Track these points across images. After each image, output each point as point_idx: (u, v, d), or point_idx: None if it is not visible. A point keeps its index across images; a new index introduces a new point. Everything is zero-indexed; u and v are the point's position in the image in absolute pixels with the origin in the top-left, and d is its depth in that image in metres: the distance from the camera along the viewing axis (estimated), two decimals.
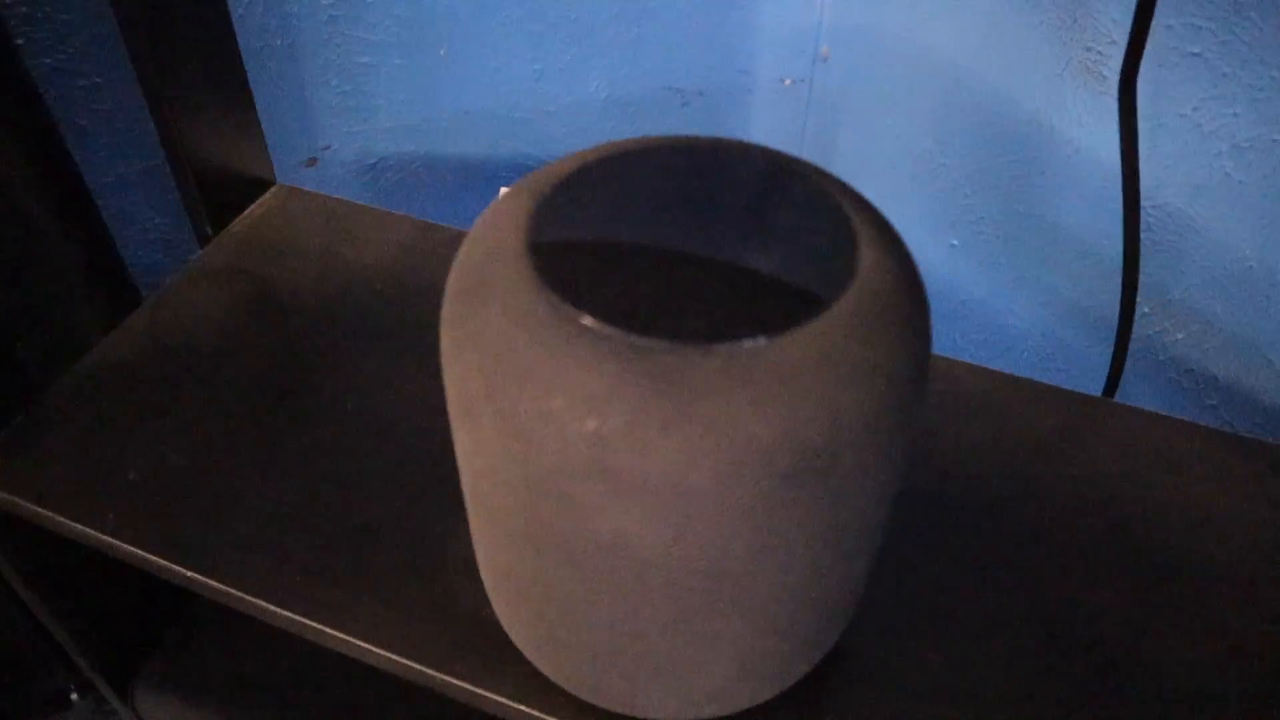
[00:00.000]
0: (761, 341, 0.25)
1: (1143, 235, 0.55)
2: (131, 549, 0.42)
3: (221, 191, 0.55)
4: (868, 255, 0.28)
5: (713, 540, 0.26)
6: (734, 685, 0.32)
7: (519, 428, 0.25)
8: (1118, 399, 0.53)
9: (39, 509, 0.44)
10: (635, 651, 0.30)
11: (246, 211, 0.57)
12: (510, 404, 0.25)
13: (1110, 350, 0.56)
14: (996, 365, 0.56)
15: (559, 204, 0.29)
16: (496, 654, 0.37)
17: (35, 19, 0.54)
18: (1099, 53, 0.55)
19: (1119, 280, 0.53)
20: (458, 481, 0.43)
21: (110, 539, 0.42)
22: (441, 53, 0.65)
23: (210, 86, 0.53)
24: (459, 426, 0.29)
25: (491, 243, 0.28)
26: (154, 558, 0.41)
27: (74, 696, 0.67)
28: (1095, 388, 0.57)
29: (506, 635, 0.36)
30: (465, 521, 0.41)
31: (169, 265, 0.67)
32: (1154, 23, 0.49)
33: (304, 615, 0.39)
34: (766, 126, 0.77)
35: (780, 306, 0.26)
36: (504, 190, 0.33)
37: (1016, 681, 0.37)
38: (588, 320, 0.25)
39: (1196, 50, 0.51)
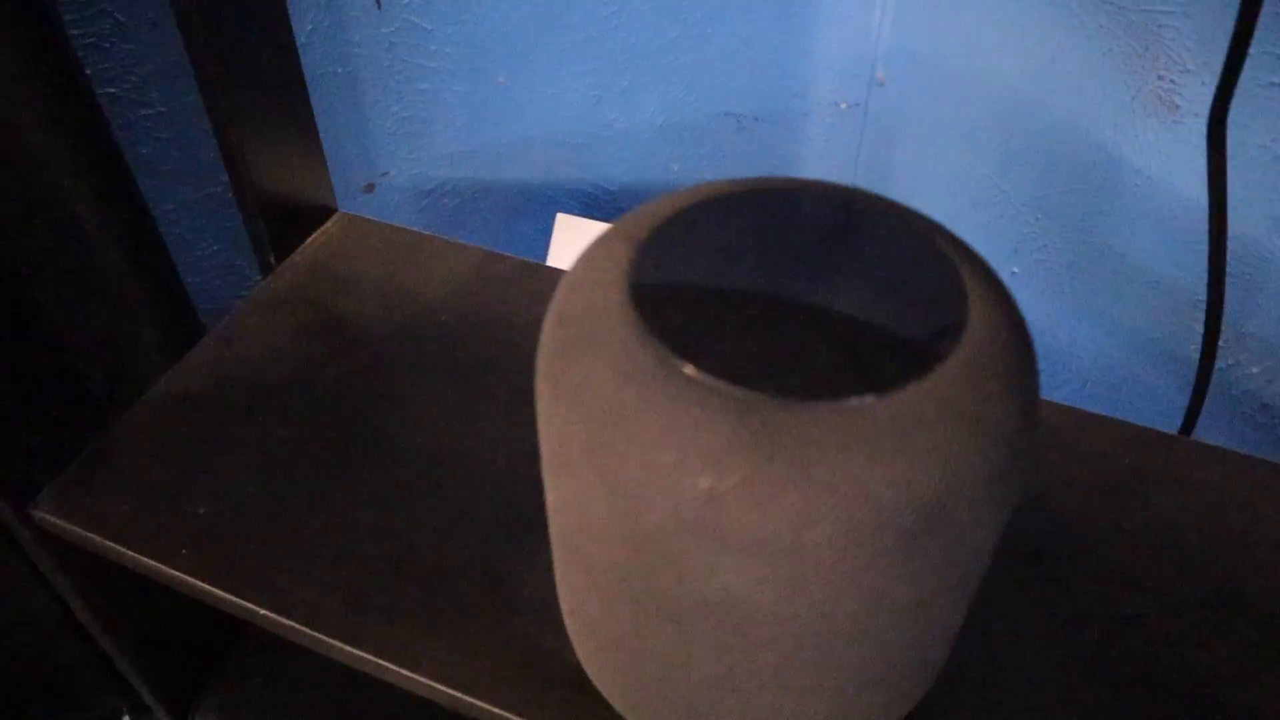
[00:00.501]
0: (877, 398, 0.24)
1: None
2: (203, 585, 0.41)
3: (284, 219, 0.55)
4: (977, 306, 0.27)
5: (825, 597, 0.25)
6: None
7: (626, 483, 0.25)
8: (1194, 437, 0.52)
9: (108, 542, 0.43)
10: (731, 705, 0.29)
11: (309, 239, 0.57)
12: (618, 460, 0.25)
13: (1178, 382, 0.55)
14: (1057, 397, 0.55)
15: (658, 250, 0.29)
16: (576, 699, 0.36)
17: (102, 49, 0.55)
18: (1172, 81, 0.54)
19: (1190, 312, 0.52)
20: (529, 520, 0.43)
21: (181, 575, 0.42)
22: (500, 80, 0.65)
23: (275, 114, 0.53)
24: (556, 477, 0.28)
25: (592, 292, 0.28)
26: (226, 594, 0.41)
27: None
28: (1163, 419, 0.56)
29: (587, 679, 0.35)
30: (539, 562, 0.41)
31: (227, 291, 0.67)
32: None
33: (378, 656, 0.39)
34: (822, 150, 0.76)
35: (887, 356, 0.26)
36: (597, 234, 0.33)
37: None
38: (698, 374, 0.25)
39: (1277, 80, 0.50)
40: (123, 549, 0.43)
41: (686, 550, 0.25)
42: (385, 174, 0.66)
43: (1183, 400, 0.57)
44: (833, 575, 0.24)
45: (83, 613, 0.50)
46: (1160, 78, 0.55)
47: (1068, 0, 0.58)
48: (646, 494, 0.24)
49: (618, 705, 0.34)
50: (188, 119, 0.59)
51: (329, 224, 0.58)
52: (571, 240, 0.69)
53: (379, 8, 0.60)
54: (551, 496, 0.30)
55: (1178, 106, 0.54)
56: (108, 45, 0.55)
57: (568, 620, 0.35)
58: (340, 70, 0.61)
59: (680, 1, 0.66)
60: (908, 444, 0.24)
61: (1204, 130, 0.42)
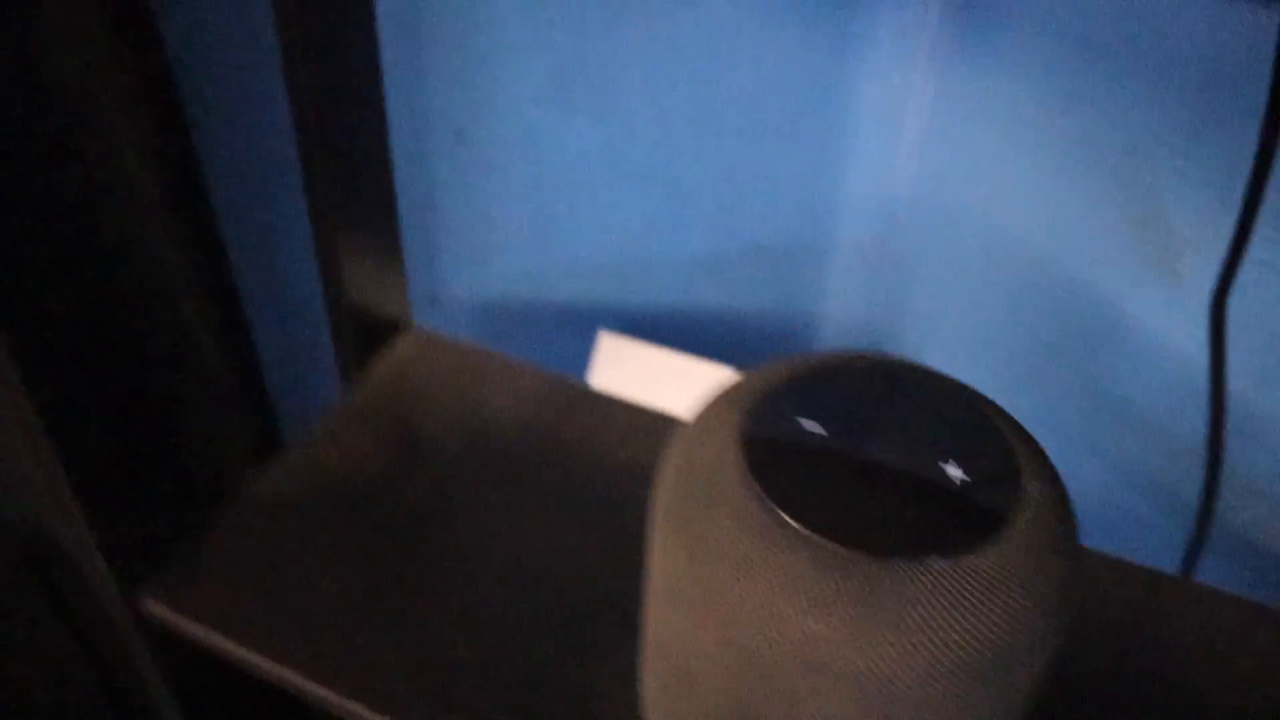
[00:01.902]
0: (954, 561, 0.29)
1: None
2: (302, 680, 0.45)
3: (367, 330, 0.60)
4: (1031, 482, 0.32)
5: None
6: None
7: (744, 623, 0.29)
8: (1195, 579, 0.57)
9: (212, 632, 0.47)
10: None
11: (386, 352, 0.62)
12: (738, 602, 0.30)
13: (1178, 521, 0.60)
14: None
15: (762, 415, 0.34)
16: None
17: (229, 177, 0.60)
18: (1173, 250, 0.61)
19: (1190, 455, 0.58)
20: (610, 635, 0.47)
21: (280, 668, 0.46)
22: (560, 208, 0.71)
23: (369, 232, 0.58)
24: (671, 610, 0.33)
25: (709, 450, 0.33)
26: (325, 690, 0.45)
27: None
28: (1160, 556, 0.61)
29: None
30: (623, 677, 0.45)
31: (299, 394, 0.72)
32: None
33: None
34: (843, 285, 0.82)
35: (958, 519, 0.31)
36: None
37: None
38: (809, 533, 0.30)
39: (1265, 258, 0.56)
40: (222, 638, 0.47)
41: (796, 683, 0.29)
42: (448, 289, 0.72)
43: (1181, 539, 0.63)
44: (919, 708, 0.29)
45: (165, 697, 0.54)
46: (1164, 248, 0.61)
47: (1079, 168, 0.65)
48: (764, 633, 0.29)
49: None
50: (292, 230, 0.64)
51: (404, 336, 0.64)
52: (613, 356, 0.75)
53: (457, 139, 0.66)
54: (660, 627, 0.35)
55: (1179, 274, 0.61)
56: (235, 172, 0.60)
57: None
58: (419, 194, 0.66)
59: (723, 142, 0.72)
60: (979, 600, 0.29)
61: (1200, 297, 0.48)
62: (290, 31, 0.47)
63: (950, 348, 0.76)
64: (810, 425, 0.34)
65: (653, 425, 0.59)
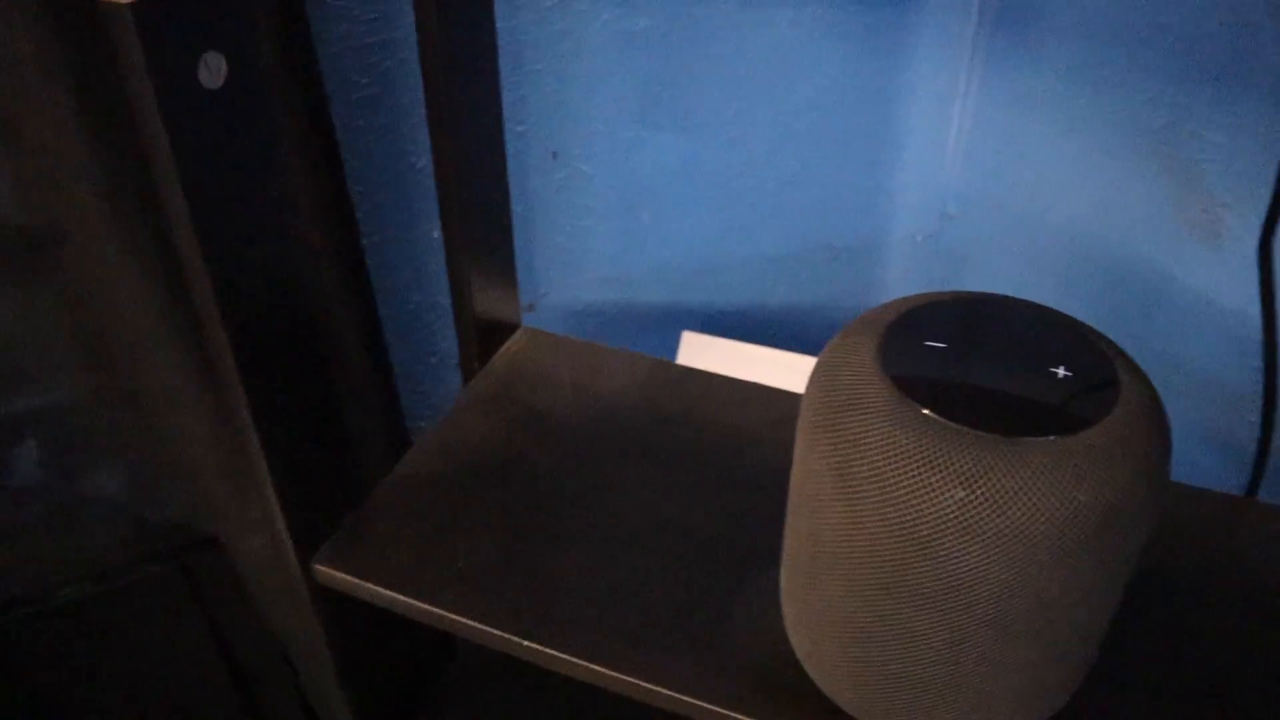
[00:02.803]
0: (1073, 436, 0.35)
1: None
2: (471, 623, 0.51)
3: (489, 331, 0.67)
4: (1126, 378, 0.38)
5: (1038, 574, 0.35)
6: (1012, 713, 0.41)
7: (899, 499, 0.35)
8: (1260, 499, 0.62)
9: (383, 590, 0.54)
10: (952, 677, 0.39)
11: (503, 349, 0.69)
12: (892, 483, 0.36)
13: (1237, 468, 0.66)
14: None
15: (894, 336, 0.40)
16: (803, 700, 0.46)
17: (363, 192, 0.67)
18: (1214, 214, 0.67)
19: (1246, 402, 0.63)
20: (738, 566, 0.53)
21: (451, 615, 0.52)
22: (645, 217, 0.77)
23: (488, 246, 0.65)
24: (824, 505, 0.39)
25: (851, 368, 0.39)
26: (498, 632, 0.51)
27: None
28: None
29: (813, 685, 0.45)
30: (759, 596, 0.51)
31: (422, 403, 0.78)
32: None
33: (632, 676, 0.48)
34: (901, 276, 0.89)
35: (1071, 406, 0.37)
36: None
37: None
38: (950, 423, 0.36)
39: None
40: (395, 594, 0.53)
41: (945, 544, 0.35)
42: (545, 294, 0.78)
43: (1240, 482, 0.68)
44: (1046, 557, 0.35)
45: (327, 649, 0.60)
46: (1204, 211, 0.67)
47: (1119, 149, 0.71)
48: (918, 504, 0.35)
49: (843, 701, 0.44)
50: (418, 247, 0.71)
51: (516, 335, 0.70)
52: (696, 352, 0.81)
53: (554, 158, 0.73)
54: (810, 523, 0.40)
55: (1218, 234, 0.67)
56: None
57: (800, 631, 0.45)
58: (520, 209, 0.73)
59: (790, 151, 0.79)
60: (1099, 465, 0.35)
61: (1243, 254, 0.54)
62: (434, 79, 0.54)
63: None
64: (934, 344, 0.40)
65: (744, 394, 0.65)
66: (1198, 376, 0.71)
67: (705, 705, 0.47)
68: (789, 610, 0.46)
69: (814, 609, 0.43)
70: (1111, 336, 0.71)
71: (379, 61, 0.63)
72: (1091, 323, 0.78)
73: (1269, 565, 0.53)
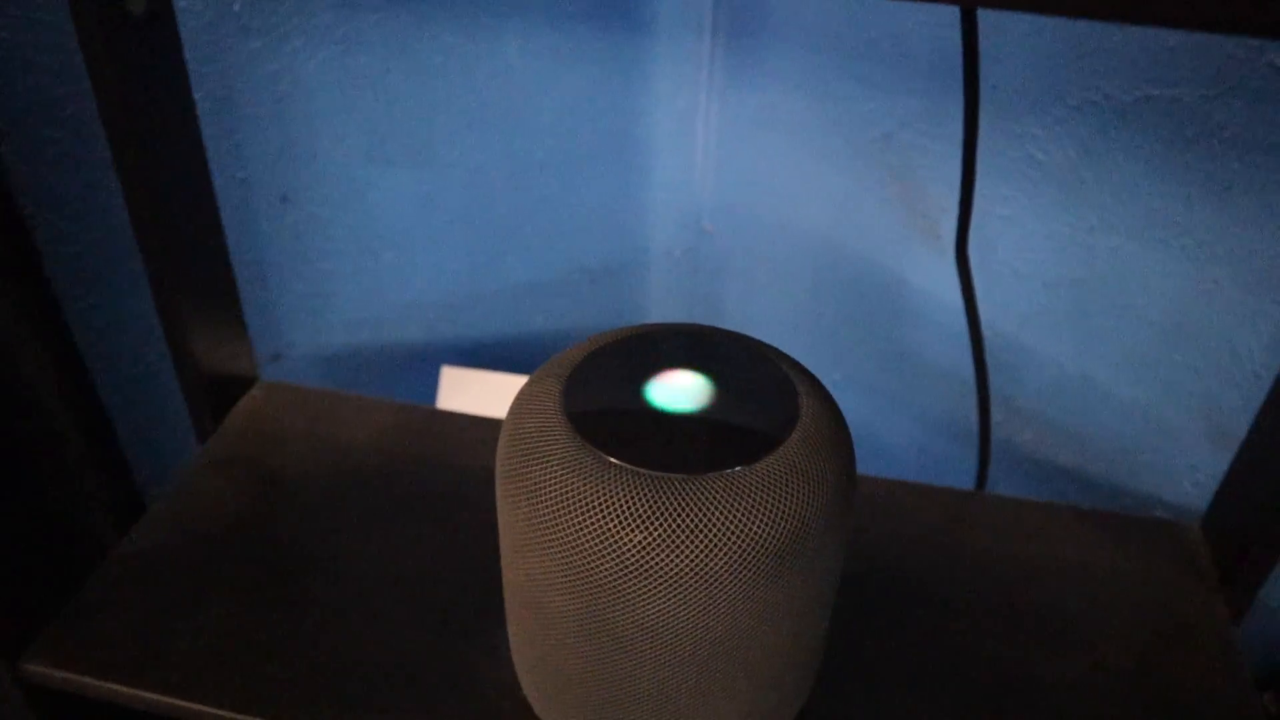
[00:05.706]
0: (746, 468, 0.35)
1: (988, 357, 0.69)
2: (200, 708, 0.48)
3: (217, 388, 0.64)
4: (805, 401, 0.39)
5: (728, 611, 0.35)
6: None
7: (582, 546, 0.35)
8: (987, 491, 0.65)
9: (102, 683, 0.50)
10: (665, 717, 0.39)
11: (238, 405, 0.65)
12: (574, 531, 0.35)
13: (975, 453, 0.69)
14: (883, 475, 0.68)
15: (577, 383, 0.39)
16: None
17: (68, 256, 0.63)
18: (933, 219, 0.70)
19: (971, 395, 0.66)
20: (470, 616, 0.52)
21: (171, 700, 0.49)
22: (388, 256, 0.75)
23: (209, 298, 0.62)
24: (519, 556, 0.38)
25: (536, 416, 0.38)
26: (224, 713, 0.48)
27: None
28: (964, 482, 0.69)
29: None
30: (490, 643, 0.50)
31: (157, 461, 0.74)
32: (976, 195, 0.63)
33: None
34: (663, 294, 0.89)
35: (748, 439, 0.37)
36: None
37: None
38: (626, 464, 0.35)
39: (1007, 214, 0.66)
40: (113, 685, 0.50)
41: (632, 588, 0.35)
42: (291, 344, 0.75)
43: (974, 464, 0.71)
44: (731, 592, 0.35)
45: None
46: (924, 217, 0.70)
47: (849, 159, 0.74)
48: (598, 550, 0.35)
49: None
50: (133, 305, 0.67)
51: (253, 390, 0.67)
52: (456, 387, 0.79)
53: (284, 202, 0.70)
54: (512, 573, 0.40)
55: (939, 236, 0.70)
56: (74, 255, 0.63)
57: (526, 677, 0.44)
58: (250, 256, 0.70)
59: (534, 177, 0.78)
60: (770, 497, 0.35)
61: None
62: (116, 123, 0.51)
63: (767, 334, 0.84)
64: (621, 382, 0.40)
65: (496, 433, 0.64)
66: (932, 373, 0.74)
67: None
68: (517, 659, 0.45)
69: (530, 658, 0.42)
70: (861, 338, 0.73)
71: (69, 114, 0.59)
72: (841, 326, 0.81)
73: (990, 555, 0.56)
